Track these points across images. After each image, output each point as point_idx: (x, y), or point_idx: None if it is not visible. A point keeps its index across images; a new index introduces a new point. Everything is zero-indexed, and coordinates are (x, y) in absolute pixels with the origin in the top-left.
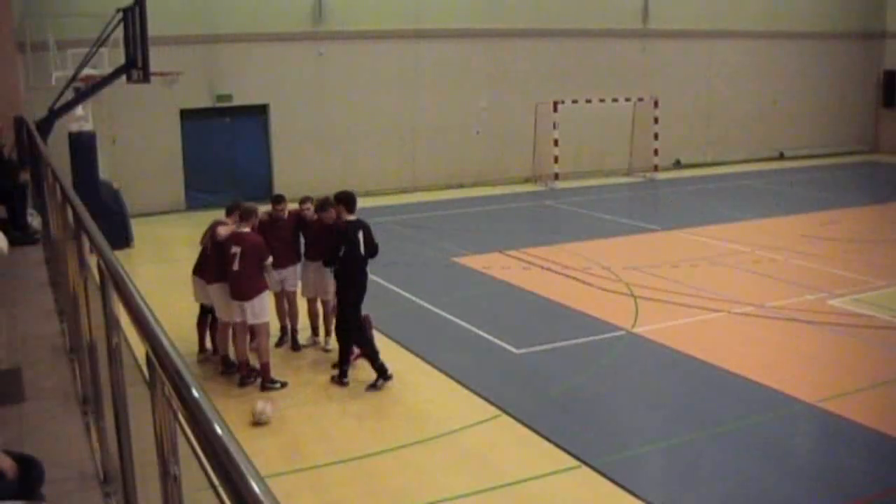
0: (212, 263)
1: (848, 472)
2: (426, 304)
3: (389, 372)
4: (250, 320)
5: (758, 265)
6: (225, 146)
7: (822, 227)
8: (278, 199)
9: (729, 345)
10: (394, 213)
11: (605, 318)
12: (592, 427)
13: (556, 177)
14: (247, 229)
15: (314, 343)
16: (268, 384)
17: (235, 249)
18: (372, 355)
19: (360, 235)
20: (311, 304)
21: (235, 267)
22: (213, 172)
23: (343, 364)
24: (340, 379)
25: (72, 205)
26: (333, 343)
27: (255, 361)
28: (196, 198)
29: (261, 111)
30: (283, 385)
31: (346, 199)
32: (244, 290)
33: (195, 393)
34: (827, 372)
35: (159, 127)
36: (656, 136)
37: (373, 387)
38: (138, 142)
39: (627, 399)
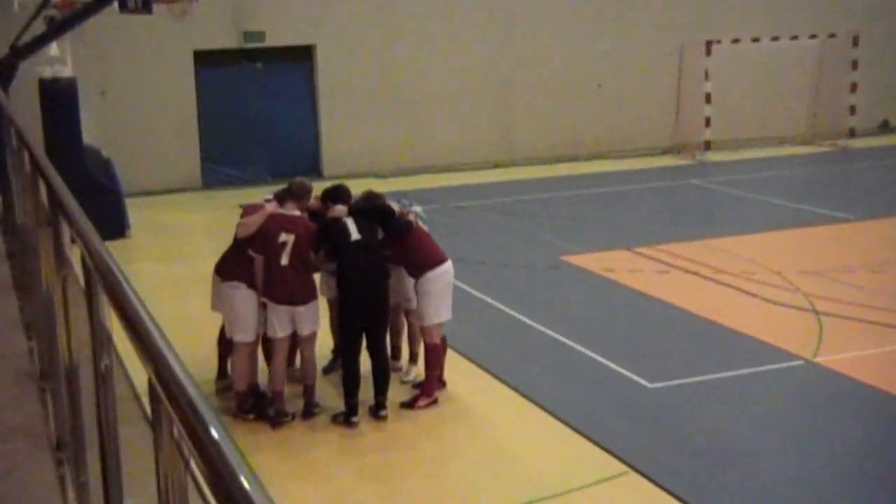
0: (232, 257)
1: None
2: (525, 319)
3: (355, 418)
4: (306, 330)
5: None
6: (255, 103)
7: None
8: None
9: None
10: (482, 196)
11: (773, 343)
12: (751, 494)
13: (708, 146)
14: (297, 212)
15: (395, 369)
16: (311, 408)
17: (286, 237)
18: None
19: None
20: (394, 314)
21: (284, 261)
22: (240, 139)
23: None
24: (346, 418)
25: (45, 179)
26: (418, 373)
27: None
28: (216, 173)
29: (305, 56)
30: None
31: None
32: (296, 291)
33: (215, 434)
34: None
35: (166, 75)
36: (854, 88)
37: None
38: (137, 95)
39: (802, 457)
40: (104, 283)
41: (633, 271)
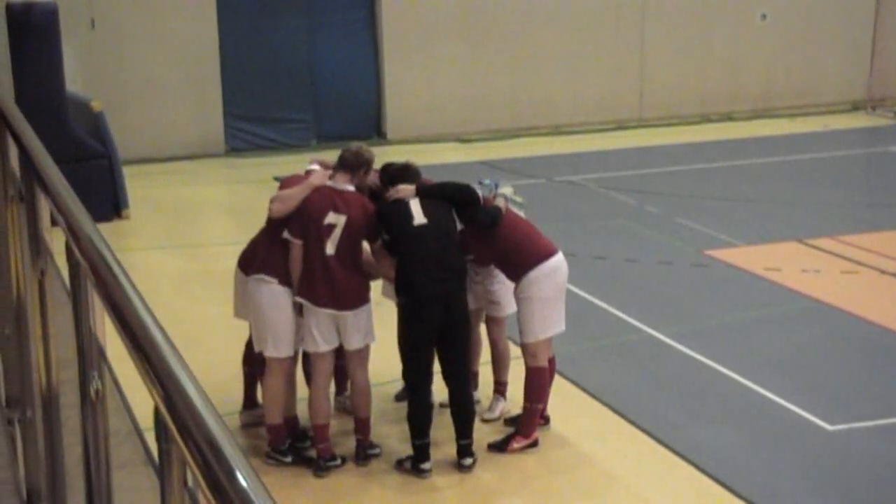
0: (262, 244)
1: None
2: (658, 335)
3: (426, 465)
4: (354, 344)
5: None
6: (296, 42)
7: None
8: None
9: None
10: (603, 167)
11: None
12: None
13: None
14: (350, 187)
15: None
16: (367, 450)
17: (334, 219)
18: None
19: None
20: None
21: (330, 249)
22: (275, 89)
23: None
24: (414, 465)
25: (16, 137)
26: (506, 408)
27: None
28: (243, 134)
29: None
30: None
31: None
32: (343, 290)
33: (242, 481)
34: None
35: (178, 2)
36: None
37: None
38: (136, 27)
39: None
40: (95, 279)
41: (807, 271)
